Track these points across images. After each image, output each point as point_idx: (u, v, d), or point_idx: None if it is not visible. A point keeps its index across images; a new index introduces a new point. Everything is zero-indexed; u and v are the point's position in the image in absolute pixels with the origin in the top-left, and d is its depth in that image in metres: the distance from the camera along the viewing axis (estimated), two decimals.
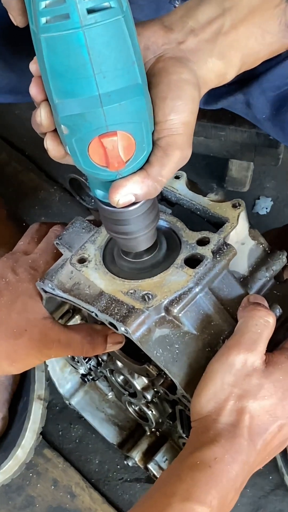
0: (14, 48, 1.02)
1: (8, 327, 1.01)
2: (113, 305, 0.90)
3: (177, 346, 0.90)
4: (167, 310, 0.89)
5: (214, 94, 1.09)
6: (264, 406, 0.84)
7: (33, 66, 0.74)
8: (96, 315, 0.92)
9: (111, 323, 0.90)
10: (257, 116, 1.07)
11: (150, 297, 0.89)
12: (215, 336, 0.92)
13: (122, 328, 0.89)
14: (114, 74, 0.70)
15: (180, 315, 0.89)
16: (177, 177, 1.02)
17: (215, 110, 1.15)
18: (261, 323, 0.87)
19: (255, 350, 0.85)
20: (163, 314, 0.89)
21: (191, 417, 0.88)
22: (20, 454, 1.23)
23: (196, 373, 0.89)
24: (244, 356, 0.85)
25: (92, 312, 0.92)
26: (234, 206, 0.97)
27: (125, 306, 0.89)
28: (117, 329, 0.90)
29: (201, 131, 1.33)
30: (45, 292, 1.00)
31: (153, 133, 0.78)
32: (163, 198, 1.03)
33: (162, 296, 0.89)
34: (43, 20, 0.67)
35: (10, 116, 1.76)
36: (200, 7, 0.81)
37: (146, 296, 0.89)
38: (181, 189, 1.01)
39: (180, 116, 0.77)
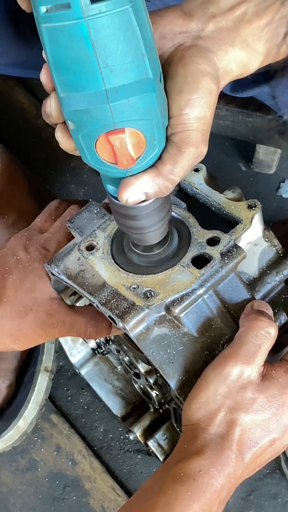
0: (33, 24, 0.93)
1: (15, 305, 0.94)
2: (114, 298, 0.82)
3: (174, 347, 0.82)
4: (168, 309, 0.81)
5: (241, 83, 0.99)
6: (256, 420, 0.76)
7: (43, 52, 0.64)
8: (97, 306, 0.84)
9: (110, 317, 0.83)
10: (282, 109, 0.96)
11: (153, 294, 0.81)
12: (215, 339, 0.83)
13: (120, 324, 0.81)
14: (121, 68, 0.60)
15: (181, 315, 0.81)
16: (196, 170, 0.92)
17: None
18: (262, 334, 0.78)
19: (253, 363, 0.77)
20: (163, 313, 0.81)
21: (182, 421, 0.80)
22: (21, 424, 1.17)
23: (192, 376, 0.81)
24: (241, 368, 0.76)
25: (93, 302, 0.85)
26: (249, 206, 0.87)
27: (126, 301, 0.81)
28: (116, 324, 0.83)
29: (228, 115, 1.23)
30: (53, 274, 0.92)
31: (167, 128, 0.68)
32: (180, 190, 0.93)
33: (165, 295, 0.80)
34: (43, 9, 0.56)
35: None
36: None
37: (148, 293, 0.81)
38: (198, 182, 0.91)
39: (196, 110, 0.67)
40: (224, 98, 1.22)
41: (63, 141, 0.68)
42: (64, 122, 0.67)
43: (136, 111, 0.63)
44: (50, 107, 0.66)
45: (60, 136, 0.68)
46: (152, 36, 0.63)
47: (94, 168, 0.69)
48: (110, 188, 0.73)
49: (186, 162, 0.69)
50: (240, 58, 0.71)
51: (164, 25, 0.69)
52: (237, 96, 1.07)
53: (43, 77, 0.65)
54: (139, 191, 0.69)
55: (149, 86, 0.62)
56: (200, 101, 0.67)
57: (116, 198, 0.73)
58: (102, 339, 1.15)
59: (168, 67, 0.69)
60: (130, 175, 0.69)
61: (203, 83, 0.68)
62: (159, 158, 0.69)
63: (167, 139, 0.68)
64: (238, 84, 0.98)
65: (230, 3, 0.70)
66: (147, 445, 1.19)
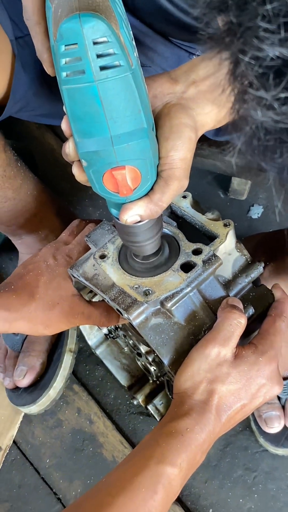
0: None
1: (45, 300, 0.94)
2: (121, 296, 0.82)
3: (167, 333, 0.82)
4: (162, 304, 0.80)
5: (221, 130, 0.98)
6: (230, 389, 0.76)
7: (63, 107, 0.64)
8: (108, 301, 0.84)
9: (118, 310, 0.83)
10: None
11: (150, 292, 0.80)
12: (198, 327, 0.83)
13: (126, 315, 0.81)
14: (123, 120, 0.60)
15: (172, 308, 0.81)
16: (184, 197, 0.92)
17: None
18: (235, 323, 0.78)
19: (228, 345, 0.77)
20: (158, 306, 0.81)
21: (173, 390, 0.80)
22: (51, 393, 1.16)
23: (181, 355, 0.81)
24: (218, 349, 0.76)
25: (105, 299, 0.85)
26: (225, 225, 0.87)
27: (130, 298, 0.81)
28: (122, 315, 0.82)
29: (210, 155, 1.23)
30: (74, 277, 0.92)
31: (157, 166, 0.68)
32: (172, 212, 0.93)
33: (160, 293, 0.80)
34: (64, 74, 0.57)
35: None
36: (202, 63, 0.70)
37: (147, 291, 0.81)
38: (185, 206, 0.91)
39: (179, 153, 0.68)
40: (207, 141, 1.22)
41: (78, 175, 0.69)
42: (79, 160, 0.67)
43: (134, 153, 0.63)
44: (69, 149, 0.66)
45: (76, 171, 0.69)
46: (147, 96, 0.63)
47: (101, 196, 0.69)
48: (113, 211, 0.74)
49: (172, 192, 0.70)
50: (214, 114, 0.72)
51: (156, 88, 0.70)
52: (217, 140, 1.07)
53: (64, 125, 0.65)
54: (135, 214, 0.70)
55: (144, 134, 0.63)
56: (183, 146, 0.68)
57: (118, 219, 0.73)
58: (113, 326, 1.15)
59: (158, 119, 0.69)
60: (129, 202, 0.69)
61: (185, 132, 0.68)
62: (151, 189, 0.69)
63: (158, 174, 0.69)
64: (220, 131, 0.98)
65: (207, 71, 0.70)
66: (147, 409, 1.18)
